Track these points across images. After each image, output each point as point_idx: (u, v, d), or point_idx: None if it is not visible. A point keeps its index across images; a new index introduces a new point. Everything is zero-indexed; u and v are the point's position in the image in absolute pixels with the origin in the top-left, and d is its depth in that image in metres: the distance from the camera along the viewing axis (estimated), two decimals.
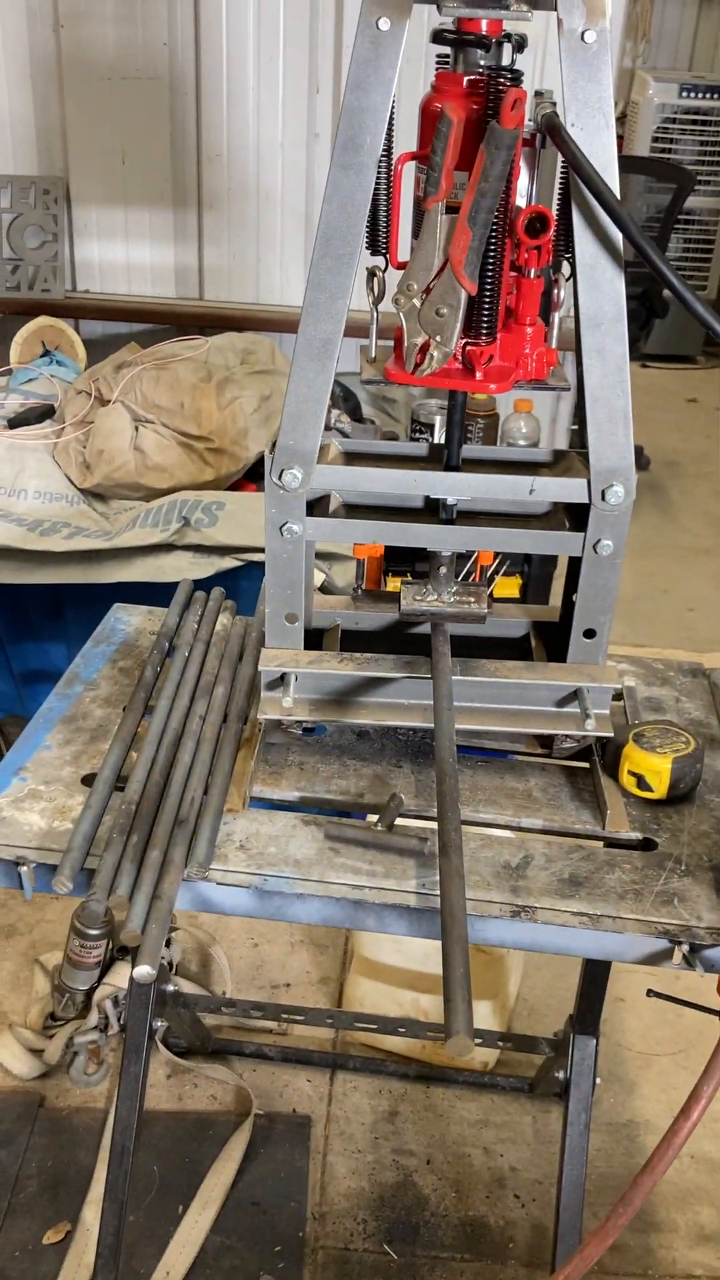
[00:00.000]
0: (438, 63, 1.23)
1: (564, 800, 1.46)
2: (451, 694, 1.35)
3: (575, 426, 3.68)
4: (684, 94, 6.25)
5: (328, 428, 3.23)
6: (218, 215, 3.53)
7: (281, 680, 1.45)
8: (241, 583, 2.64)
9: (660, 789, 1.44)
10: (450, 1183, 2.14)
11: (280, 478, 1.34)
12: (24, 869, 1.33)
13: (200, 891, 1.31)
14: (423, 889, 1.30)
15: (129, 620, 1.83)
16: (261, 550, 2.62)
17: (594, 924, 1.27)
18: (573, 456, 1.42)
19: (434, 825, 1.40)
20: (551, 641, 1.55)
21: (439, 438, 3.15)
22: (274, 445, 1.33)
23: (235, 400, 2.81)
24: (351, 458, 1.42)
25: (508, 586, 2.78)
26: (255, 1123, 2.18)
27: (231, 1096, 2.26)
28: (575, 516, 1.40)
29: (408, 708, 1.47)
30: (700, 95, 6.27)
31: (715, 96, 6.47)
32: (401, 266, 1.23)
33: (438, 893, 1.29)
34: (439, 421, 3.10)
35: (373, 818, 1.41)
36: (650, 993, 1.49)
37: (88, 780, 1.46)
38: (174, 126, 3.44)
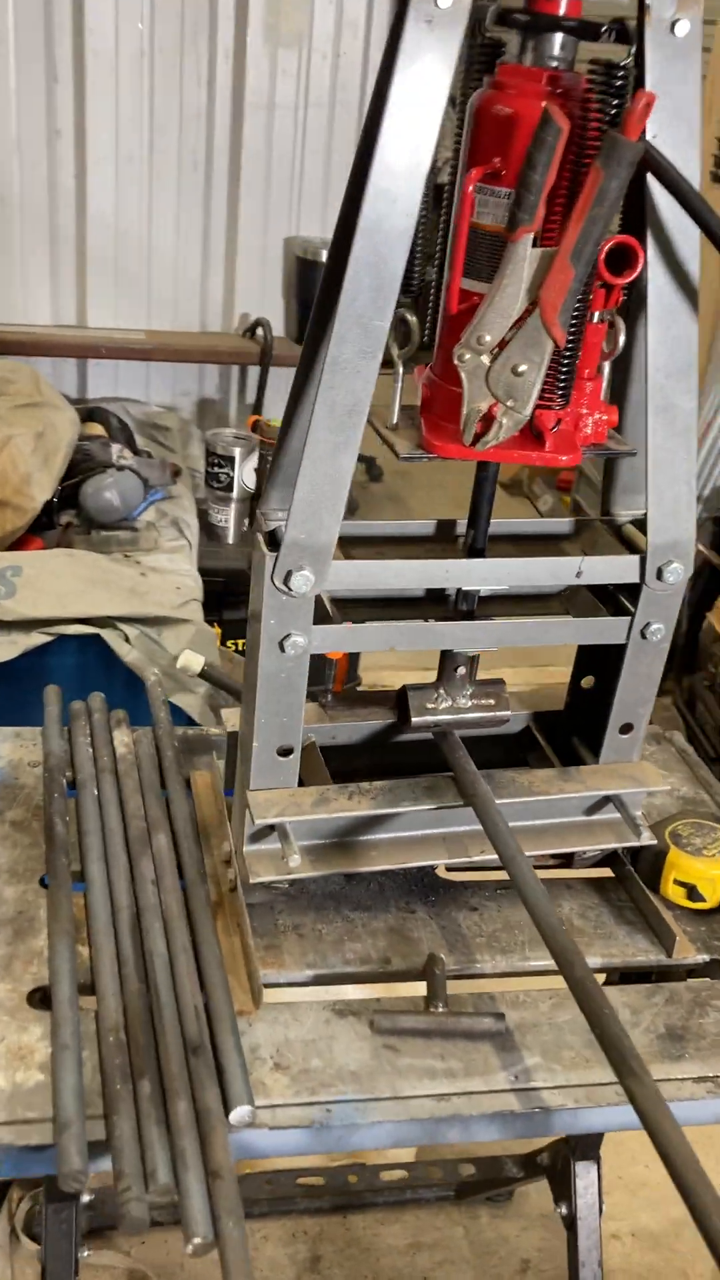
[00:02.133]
0: (482, 51, 0.97)
1: (609, 925, 1.25)
2: (508, 825, 1.10)
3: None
4: None
5: (113, 465, 2.82)
6: None
7: (271, 830, 1.14)
8: (50, 660, 2.24)
9: (714, 898, 1.27)
10: None
11: (288, 582, 1.03)
12: None
13: (243, 1141, 0.99)
14: (515, 1082, 1.05)
15: None
16: (74, 621, 2.24)
17: None
18: (597, 526, 1.20)
19: (487, 987, 1.16)
20: (554, 734, 1.33)
21: (238, 470, 2.85)
22: (278, 544, 1.02)
23: (9, 441, 2.39)
24: (347, 544, 1.14)
25: None
26: None
27: None
28: (607, 595, 1.19)
29: (424, 841, 1.20)
30: None
31: None
32: (464, 315, 0.96)
33: (533, 1084, 1.05)
34: (239, 452, 2.80)
35: (408, 985, 1.14)
36: None
37: (35, 998, 1.08)
38: None
